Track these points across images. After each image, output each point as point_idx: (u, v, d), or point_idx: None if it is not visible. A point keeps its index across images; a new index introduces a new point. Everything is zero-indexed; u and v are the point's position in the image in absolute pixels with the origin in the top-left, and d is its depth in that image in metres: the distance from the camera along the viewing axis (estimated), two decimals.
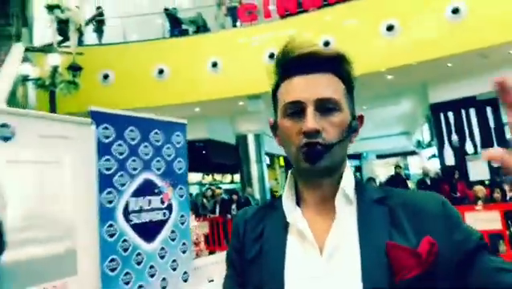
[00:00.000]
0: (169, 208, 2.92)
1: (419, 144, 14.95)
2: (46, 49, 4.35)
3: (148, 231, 2.72)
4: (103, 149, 2.49)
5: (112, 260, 2.47)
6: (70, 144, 2.30)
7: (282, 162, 16.83)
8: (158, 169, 2.86)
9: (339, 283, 0.70)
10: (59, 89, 4.11)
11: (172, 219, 2.92)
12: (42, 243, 2.13)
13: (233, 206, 8.59)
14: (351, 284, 0.69)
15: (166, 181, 2.91)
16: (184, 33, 11.87)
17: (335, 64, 0.79)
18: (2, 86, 3.07)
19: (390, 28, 8.51)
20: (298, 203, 0.82)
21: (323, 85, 0.77)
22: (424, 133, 12.83)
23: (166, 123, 2.96)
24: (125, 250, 2.56)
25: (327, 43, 8.93)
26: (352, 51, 0.83)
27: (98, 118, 2.48)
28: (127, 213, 2.60)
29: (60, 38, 4.53)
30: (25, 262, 2.04)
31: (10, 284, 1.96)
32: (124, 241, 2.56)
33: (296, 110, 0.77)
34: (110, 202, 2.51)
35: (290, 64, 0.79)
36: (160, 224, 2.83)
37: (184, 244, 3.02)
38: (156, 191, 2.83)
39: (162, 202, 2.87)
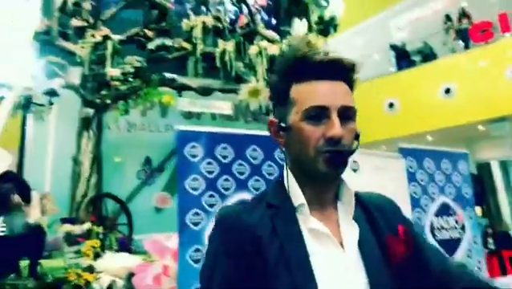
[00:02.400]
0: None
1: None
2: None
3: (449, 246, 3.23)
4: (410, 177, 3.19)
5: None
6: (389, 173, 3.08)
7: None
8: (450, 194, 3.38)
9: (357, 275, 0.79)
10: None
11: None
12: None
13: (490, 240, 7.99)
14: (361, 280, 0.79)
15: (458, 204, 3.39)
16: (411, 64, 12.07)
17: (350, 73, 0.83)
18: None
19: None
20: None
21: (345, 93, 0.81)
22: None
23: (451, 154, 3.48)
24: None
25: None
26: None
27: (404, 152, 3.21)
28: (432, 229, 3.20)
29: None
30: None
31: None
32: None
33: (319, 114, 0.79)
34: (419, 220, 3.16)
35: (314, 68, 0.80)
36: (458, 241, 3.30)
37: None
38: (450, 213, 3.34)
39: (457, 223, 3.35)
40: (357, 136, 0.83)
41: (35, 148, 6.66)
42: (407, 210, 3.12)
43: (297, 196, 0.83)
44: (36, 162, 6.60)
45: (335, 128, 0.78)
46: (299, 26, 6.36)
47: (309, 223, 0.80)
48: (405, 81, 11.01)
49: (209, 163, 2.45)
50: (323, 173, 0.80)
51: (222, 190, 2.46)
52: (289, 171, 0.86)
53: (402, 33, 14.72)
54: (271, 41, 5.73)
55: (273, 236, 0.78)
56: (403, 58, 12.31)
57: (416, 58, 12.17)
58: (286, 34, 6.49)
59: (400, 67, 12.11)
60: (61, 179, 5.87)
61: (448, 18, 11.63)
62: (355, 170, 2.94)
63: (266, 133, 0.90)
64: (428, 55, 11.78)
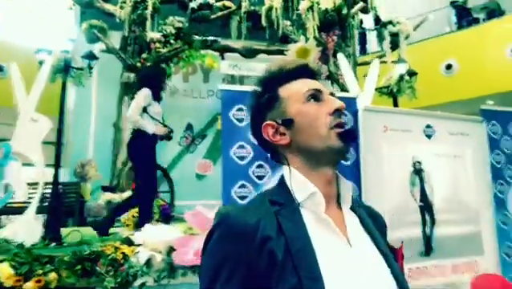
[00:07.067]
0: None
1: None
2: (381, 61, 5.08)
3: None
4: (493, 144, 2.70)
5: (508, 246, 2.63)
6: (468, 140, 2.61)
7: None
8: None
9: (371, 271, 0.80)
10: (406, 94, 4.71)
11: None
12: (456, 224, 2.51)
13: None
14: (381, 272, 0.82)
15: None
16: (474, 22, 10.97)
17: (316, 75, 0.95)
18: (369, 95, 3.73)
19: None
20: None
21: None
22: None
23: None
24: None
25: None
26: None
27: (487, 115, 2.71)
28: None
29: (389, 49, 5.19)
30: (444, 239, 2.47)
31: (438, 254, 2.42)
32: None
33: (318, 96, 0.88)
34: (501, 193, 2.69)
35: (291, 72, 0.92)
36: None
37: None
38: None
39: None
40: None
41: (78, 114, 6.68)
42: (487, 182, 2.66)
43: (306, 187, 0.84)
44: (79, 128, 6.64)
45: (337, 101, 0.87)
46: None
47: (320, 213, 0.81)
48: (465, 41, 10.05)
49: None
50: (338, 149, 0.84)
51: None
52: (291, 168, 0.87)
53: None
54: None
55: (279, 233, 0.77)
56: (464, 16, 11.21)
57: (480, 15, 11.05)
58: None
59: (460, 26, 11.05)
60: (104, 145, 5.83)
61: None
62: (429, 136, 2.50)
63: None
64: (493, 12, 10.65)
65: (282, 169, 0.90)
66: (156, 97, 3.85)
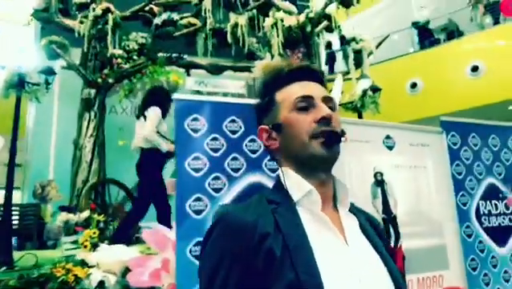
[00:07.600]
0: None
1: None
2: (345, 78, 5.14)
3: (498, 235, 2.75)
4: (453, 155, 2.70)
5: (473, 259, 2.61)
6: (428, 151, 2.61)
7: None
8: (499, 174, 2.88)
9: (368, 269, 0.80)
10: (370, 109, 4.77)
11: None
12: (420, 237, 2.47)
13: None
14: (378, 270, 0.82)
15: (508, 186, 2.88)
16: (435, 43, 11.46)
17: (319, 76, 0.94)
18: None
19: None
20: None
21: (322, 89, 0.92)
22: None
23: (503, 128, 2.96)
24: (481, 251, 2.66)
25: None
26: None
27: (447, 126, 2.73)
28: (479, 215, 2.72)
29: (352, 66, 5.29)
30: (408, 252, 2.42)
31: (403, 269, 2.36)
32: (480, 242, 2.67)
33: (306, 104, 0.86)
34: (464, 205, 2.68)
35: (289, 75, 0.91)
36: (509, 229, 2.80)
37: None
38: (500, 196, 2.84)
39: (507, 208, 2.85)
40: (343, 133, 0.87)
41: (38, 133, 6.40)
42: (449, 194, 2.65)
43: (302, 186, 0.84)
44: (39, 147, 6.35)
45: (324, 109, 0.85)
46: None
47: (317, 211, 0.82)
48: (428, 60, 10.48)
49: (215, 139, 2.03)
50: (320, 157, 0.83)
51: (230, 171, 2.04)
52: (287, 169, 0.87)
53: (425, 11, 14.04)
54: (288, 12, 5.23)
55: (276, 231, 0.77)
56: (426, 36, 11.72)
57: (441, 36, 11.56)
58: (303, 8, 5.99)
59: (422, 46, 11.53)
60: (65, 164, 5.57)
61: None
62: (390, 148, 2.47)
63: None
64: (453, 33, 11.17)
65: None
66: (163, 116, 3.92)
